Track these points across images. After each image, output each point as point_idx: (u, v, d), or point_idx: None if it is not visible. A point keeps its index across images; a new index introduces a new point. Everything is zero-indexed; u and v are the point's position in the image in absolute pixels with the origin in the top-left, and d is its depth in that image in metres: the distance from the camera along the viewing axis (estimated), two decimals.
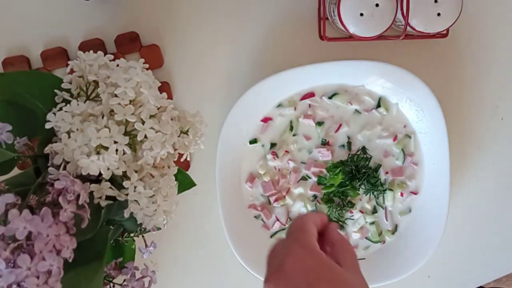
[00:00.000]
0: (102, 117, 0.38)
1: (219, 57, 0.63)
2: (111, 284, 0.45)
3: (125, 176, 0.39)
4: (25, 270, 0.31)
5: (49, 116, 0.38)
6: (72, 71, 0.42)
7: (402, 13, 0.54)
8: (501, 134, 0.66)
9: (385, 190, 0.63)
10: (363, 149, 0.63)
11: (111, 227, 0.43)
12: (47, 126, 0.38)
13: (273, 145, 0.63)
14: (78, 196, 0.35)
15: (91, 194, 0.38)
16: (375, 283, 0.61)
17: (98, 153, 0.37)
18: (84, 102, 0.40)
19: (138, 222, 0.40)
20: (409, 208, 0.64)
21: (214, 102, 0.63)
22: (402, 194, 0.63)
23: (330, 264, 0.34)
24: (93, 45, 0.59)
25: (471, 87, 0.65)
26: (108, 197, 0.39)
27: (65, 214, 0.34)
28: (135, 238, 0.49)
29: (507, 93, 0.66)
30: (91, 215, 0.37)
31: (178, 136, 0.43)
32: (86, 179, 0.38)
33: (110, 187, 0.39)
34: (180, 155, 0.45)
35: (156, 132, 0.39)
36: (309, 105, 0.62)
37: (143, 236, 0.49)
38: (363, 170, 0.62)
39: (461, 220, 0.67)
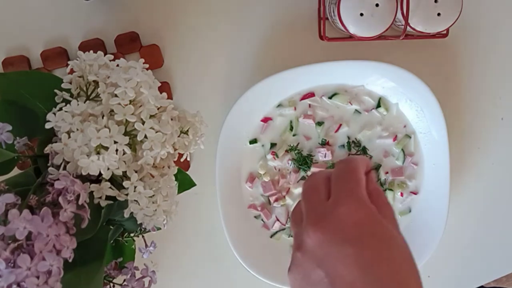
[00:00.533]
0: (102, 117, 0.38)
1: (219, 57, 0.63)
2: (111, 284, 0.45)
3: (125, 176, 0.39)
4: (25, 270, 0.31)
5: (49, 116, 0.38)
6: (72, 71, 0.42)
7: (402, 13, 0.54)
8: (501, 134, 0.66)
9: (385, 190, 0.63)
10: (363, 149, 0.63)
11: (111, 227, 0.43)
12: (47, 126, 0.38)
13: (273, 145, 0.63)
14: (78, 196, 0.35)
15: (91, 194, 0.38)
16: None
17: (98, 153, 0.37)
18: (84, 102, 0.40)
19: (138, 222, 0.40)
20: (409, 208, 0.64)
21: (214, 102, 0.63)
22: (402, 194, 0.63)
23: (381, 220, 0.33)
24: (93, 45, 0.59)
25: (471, 87, 0.65)
26: (108, 197, 0.39)
27: (65, 214, 0.34)
28: (135, 238, 0.49)
29: (507, 93, 0.66)
30: (91, 215, 0.37)
31: (178, 136, 0.43)
32: (86, 179, 0.38)
33: (110, 187, 0.39)
34: (180, 155, 0.45)
35: (156, 132, 0.39)
36: (309, 105, 0.62)
37: (143, 236, 0.49)
38: None
39: (461, 220, 0.67)
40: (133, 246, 0.50)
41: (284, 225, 0.63)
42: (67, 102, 0.40)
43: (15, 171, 0.41)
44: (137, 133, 0.38)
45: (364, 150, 0.63)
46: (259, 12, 0.62)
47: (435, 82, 0.61)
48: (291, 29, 0.62)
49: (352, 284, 0.30)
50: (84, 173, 0.37)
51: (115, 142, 0.37)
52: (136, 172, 0.39)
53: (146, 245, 0.49)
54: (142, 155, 0.39)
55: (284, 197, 0.63)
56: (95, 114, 0.39)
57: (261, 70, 0.61)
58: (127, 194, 0.39)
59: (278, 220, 0.63)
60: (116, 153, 0.37)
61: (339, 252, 0.31)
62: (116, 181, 0.40)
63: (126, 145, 0.38)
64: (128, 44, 0.60)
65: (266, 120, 0.62)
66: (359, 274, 0.30)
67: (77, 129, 0.38)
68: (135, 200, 0.39)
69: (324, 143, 0.63)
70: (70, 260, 0.34)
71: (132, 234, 0.48)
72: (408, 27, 0.54)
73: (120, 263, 0.47)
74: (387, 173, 0.63)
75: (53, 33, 0.60)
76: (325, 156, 0.62)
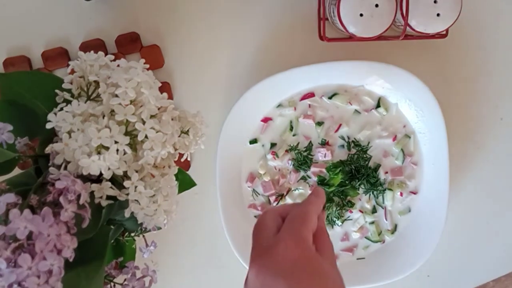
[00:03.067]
0: (103, 117, 0.38)
1: (219, 57, 0.63)
2: (112, 284, 0.45)
3: (125, 176, 0.39)
4: (26, 270, 0.31)
5: (50, 116, 0.38)
6: (73, 72, 0.42)
7: (402, 14, 0.54)
8: (501, 134, 0.66)
9: (385, 189, 0.63)
10: (363, 149, 0.63)
11: (112, 226, 0.44)
12: (48, 126, 0.38)
13: (273, 145, 0.63)
14: (79, 196, 0.35)
15: (92, 194, 0.38)
16: (375, 282, 0.62)
17: (99, 153, 0.37)
18: (85, 102, 0.40)
19: (139, 222, 0.40)
20: (409, 208, 0.64)
21: (214, 102, 0.63)
22: (401, 194, 0.63)
23: (317, 258, 0.36)
24: (93, 45, 0.60)
25: (470, 87, 0.65)
26: (108, 197, 0.39)
27: (66, 213, 0.34)
28: (135, 237, 0.49)
29: (507, 93, 0.66)
30: (92, 214, 0.37)
31: (179, 136, 0.43)
32: (87, 179, 0.38)
33: (111, 187, 0.39)
34: (181, 155, 0.45)
35: (157, 132, 0.39)
36: (309, 105, 0.62)
37: (143, 236, 0.49)
38: (363, 170, 0.62)
39: (461, 220, 0.67)
40: (134, 246, 0.51)
41: None
42: (68, 102, 0.40)
43: (16, 171, 0.41)
44: (138, 133, 0.38)
45: (363, 150, 0.63)
46: (259, 12, 0.62)
47: (435, 82, 0.61)
48: (291, 29, 0.62)
49: None
50: (85, 173, 0.37)
51: (116, 142, 0.37)
52: (136, 172, 0.40)
53: (147, 245, 0.49)
54: (143, 155, 0.39)
55: (284, 197, 0.63)
56: (96, 114, 0.39)
57: (261, 70, 0.62)
58: (127, 194, 0.39)
59: None
60: (117, 153, 0.38)
61: (273, 283, 0.34)
62: (117, 181, 0.40)
63: (126, 145, 0.38)
64: (128, 44, 0.60)
65: (266, 120, 0.63)
66: None
67: (78, 129, 0.38)
68: (135, 200, 0.39)
69: (324, 143, 0.63)
70: (71, 260, 0.34)
71: (132, 234, 0.48)
72: (407, 27, 0.54)
73: (120, 263, 0.48)
74: (386, 173, 0.63)
75: (54, 33, 0.60)
76: (325, 156, 0.62)
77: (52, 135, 0.40)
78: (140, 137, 0.38)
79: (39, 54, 0.60)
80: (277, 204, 0.63)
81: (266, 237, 0.37)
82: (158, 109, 0.41)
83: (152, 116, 0.39)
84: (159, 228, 0.43)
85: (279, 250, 0.36)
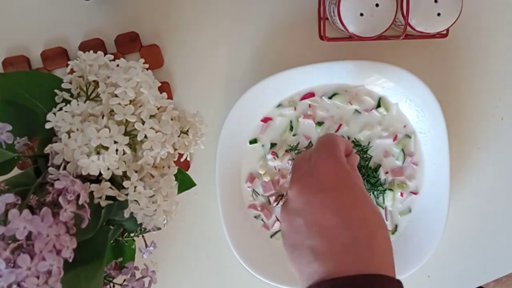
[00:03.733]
0: (102, 117, 0.38)
1: (219, 57, 0.63)
2: (111, 284, 0.45)
3: (125, 176, 0.39)
4: (25, 270, 0.31)
5: (49, 116, 0.38)
6: (72, 71, 0.42)
7: (402, 13, 0.54)
8: (501, 134, 0.66)
9: (385, 190, 0.63)
10: (363, 149, 0.63)
11: (111, 227, 0.43)
12: (47, 126, 0.38)
13: (273, 145, 0.63)
14: (78, 196, 0.35)
15: (91, 194, 0.38)
16: None
17: (98, 153, 0.37)
18: (84, 102, 0.40)
19: (138, 222, 0.40)
20: (409, 208, 0.64)
21: (214, 102, 0.63)
22: (402, 194, 0.63)
23: (353, 175, 0.38)
24: (93, 45, 0.60)
25: (471, 87, 0.65)
26: (108, 197, 0.39)
27: (65, 214, 0.34)
28: (135, 238, 0.49)
29: (507, 93, 0.66)
30: (91, 215, 0.37)
31: (178, 136, 0.43)
32: (86, 179, 0.38)
33: (110, 187, 0.39)
34: (180, 155, 0.45)
35: (156, 132, 0.39)
36: (309, 105, 0.62)
37: (143, 236, 0.48)
38: (363, 170, 0.62)
39: (461, 220, 0.67)
40: (133, 246, 0.50)
41: None
42: (67, 102, 0.40)
43: (15, 171, 0.41)
44: (137, 133, 0.38)
45: (364, 150, 0.63)
46: (259, 12, 0.62)
47: (435, 82, 0.61)
48: (291, 29, 0.62)
49: (325, 227, 0.34)
50: (84, 173, 0.37)
51: (115, 142, 0.37)
52: (136, 172, 0.39)
53: (146, 245, 0.49)
54: (142, 155, 0.39)
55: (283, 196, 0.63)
56: (95, 114, 0.39)
57: (261, 70, 0.61)
58: (127, 194, 0.39)
59: (278, 220, 0.63)
60: (116, 153, 0.37)
61: (317, 199, 0.35)
62: (116, 181, 0.40)
63: (126, 145, 0.38)
64: (128, 44, 0.60)
65: (266, 120, 0.62)
66: (333, 218, 0.34)
67: (77, 129, 0.38)
68: (135, 200, 0.39)
69: None
70: (70, 260, 0.34)
71: (132, 234, 0.48)
72: (408, 27, 0.54)
73: (120, 263, 0.47)
74: (387, 173, 0.63)
75: (53, 33, 0.60)
76: None
77: (51, 135, 0.40)
78: (139, 137, 0.38)
79: (38, 54, 0.60)
80: (277, 204, 0.63)
81: (303, 164, 0.39)
82: (158, 109, 0.41)
83: (151, 116, 0.39)
84: (159, 229, 0.43)
85: (319, 169, 0.37)
